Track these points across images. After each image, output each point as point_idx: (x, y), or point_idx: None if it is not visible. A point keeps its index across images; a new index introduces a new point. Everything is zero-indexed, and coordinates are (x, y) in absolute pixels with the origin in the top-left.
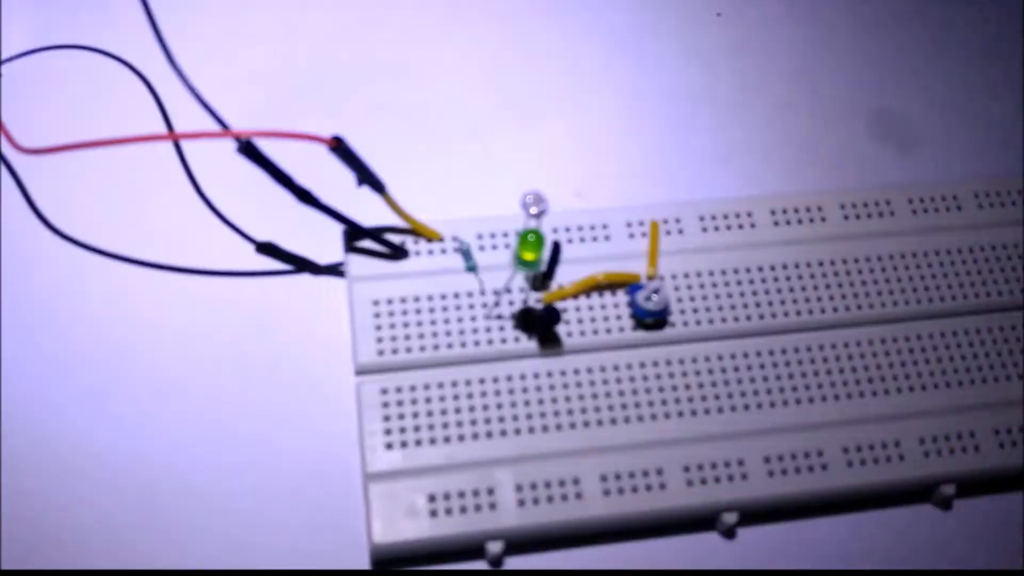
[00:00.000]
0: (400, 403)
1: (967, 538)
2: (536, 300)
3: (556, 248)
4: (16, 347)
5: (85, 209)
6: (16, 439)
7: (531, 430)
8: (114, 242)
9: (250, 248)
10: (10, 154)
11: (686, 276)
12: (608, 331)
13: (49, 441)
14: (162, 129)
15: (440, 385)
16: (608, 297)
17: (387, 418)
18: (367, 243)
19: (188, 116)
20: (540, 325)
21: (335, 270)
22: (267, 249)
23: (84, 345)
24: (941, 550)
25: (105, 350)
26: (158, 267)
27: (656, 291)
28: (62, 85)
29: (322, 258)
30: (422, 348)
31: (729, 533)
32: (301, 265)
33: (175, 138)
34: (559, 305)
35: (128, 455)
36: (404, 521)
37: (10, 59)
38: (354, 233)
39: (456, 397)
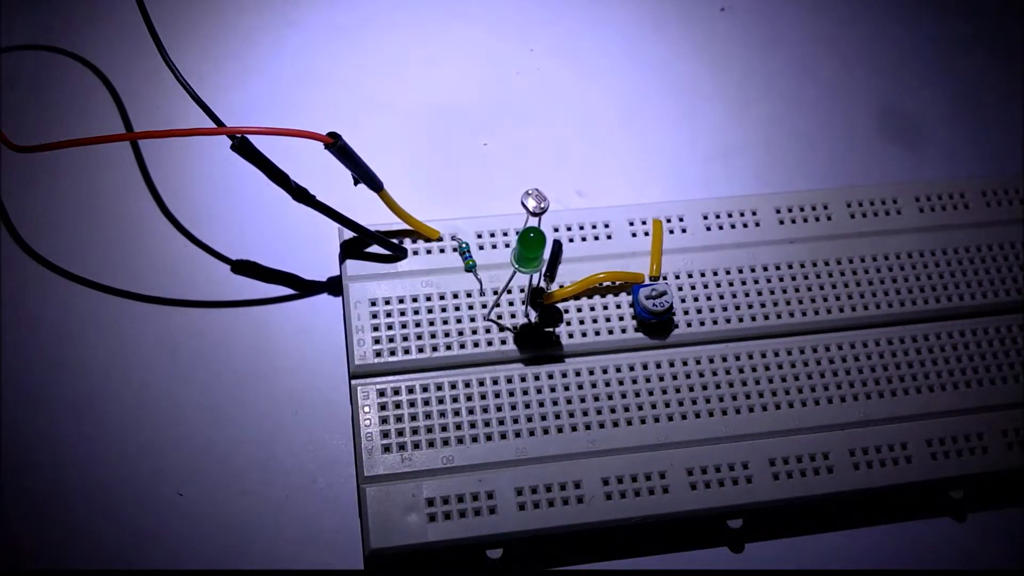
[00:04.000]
0: (398, 405)
1: (974, 542)
2: (536, 301)
3: (557, 247)
4: (13, 346)
5: (75, 211)
6: (15, 443)
7: (531, 433)
8: (105, 243)
9: (243, 252)
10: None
11: (690, 276)
12: (610, 332)
13: (47, 445)
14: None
15: (439, 387)
16: (610, 297)
17: (384, 420)
18: (364, 242)
19: (183, 112)
20: (540, 326)
21: (325, 286)
22: (244, 268)
23: (79, 346)
24: (952, 559)
25: (99, 350)
26: (147, 300)
27: (659, 291)
28: (50, 83)
29: (318, 257)
30: (420, 349)
31: (736, 546)
32: (288, 283)
33: (169, 135)
34: (560, 305)
35: (125, 457)
36: (401, 526)
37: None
38: (351, 232)
39: (455, 399)
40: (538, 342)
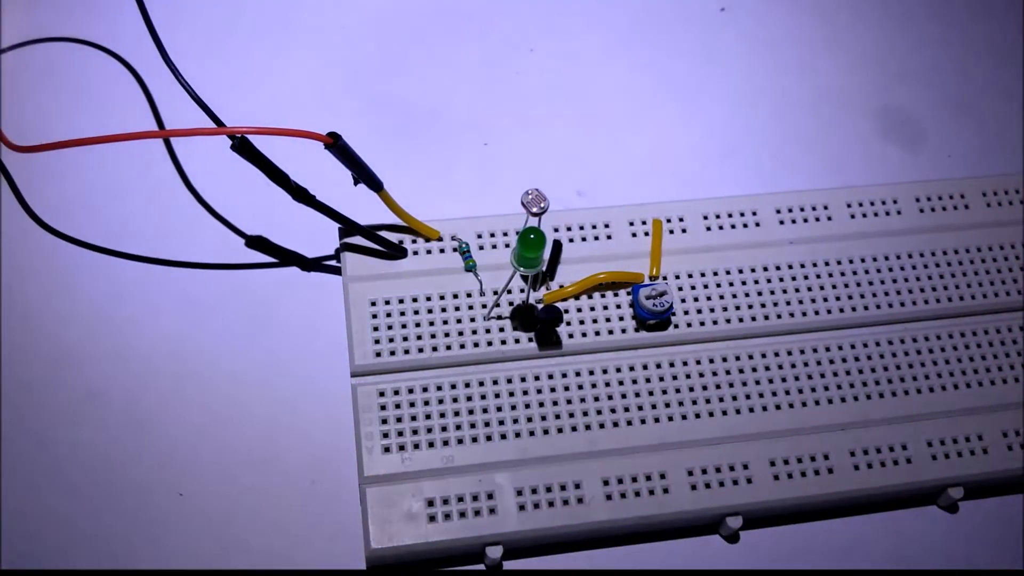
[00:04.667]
0: (398, 405)
1: (972, 540)
2: (536, 300)
3: (557, 247)
4: (12, 346)
5: (77, 206)
6: (13, 439)
7: (531, 433)
8: (106, 240)
9: (242, 247)
10: (3, 151)
11: (690, 276)
12: (610, 332)
13: (47, 442)
14: (155, 126)
15: (439, 387)
16: (610, 297)
17: (384, 421)
18: (364, 242)
19: (182, 112)
20: (540, 325)
21: (324, 264)
22: (257, 243)
23: (79, 345)
24: (946, 552)
25: (99, 349)
26: (150, 260)
27: (659, 291)
28: (54, 80)
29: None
30: (420, 349)
31: (733, 538)
32: (290, 259)
33: (169, 135)
34: (560, 305)
35: (124, 456)
36: (401, 526)
37: (2, 51)
38: (351, 232)
39: (455, 399)
40: (538, 342)
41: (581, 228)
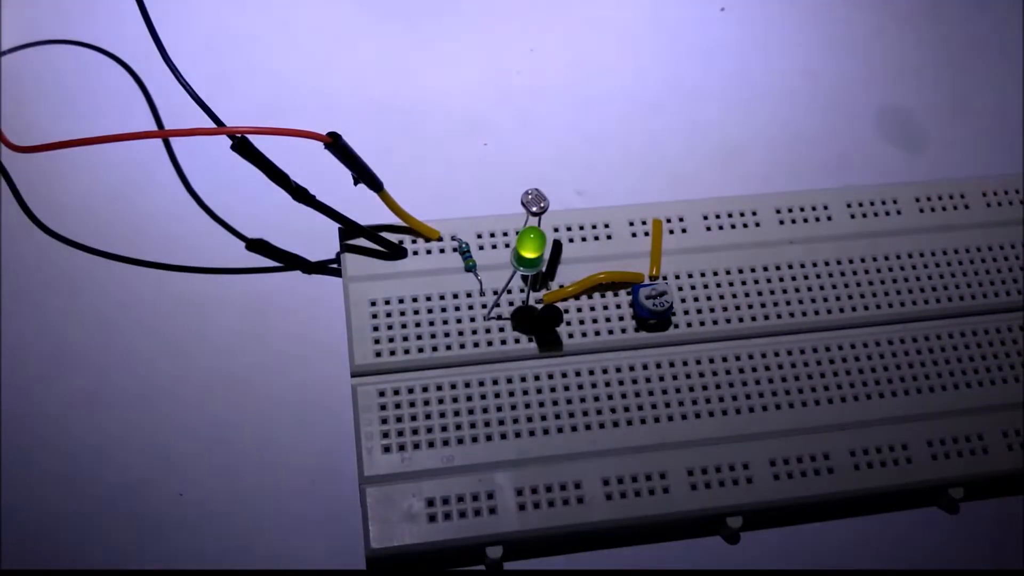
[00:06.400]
0: (398, 405)
1: (973, 541)
2: (536, 300)
3: (557, 247)
4: (12, 347)
5: (76, 207)
6: (13, 439)
7: (531, 433)
8: (106, 241)
9: (242, 248)
10: (3, 152)
11: (689, 276)
12: (610, 332)
13: (46, 442)
14: (155, 126)
15: (439, 387)
16: (610, 297)
17: (384, 420)
18: (364, 242)
19: (182, 112)
20: (540, 325)
21: (326, 267)
22: (258, 247)
23: (79, 345)
24: (947, 553)
25: (100, 350)
26: (150, 265)
27: (659, 291)
28: (54, 81)
29: (318, 258)
30: (420, 349)
31: (733, 538)
32: (292, 262)
33: (169, 135)
34: (560, 305)
35: (124, 456)
36: (402, 526)
37: (2, 54)
38: (351, 232)
39: (455, 399)
40: (538, 342)
41: (581, 228)
